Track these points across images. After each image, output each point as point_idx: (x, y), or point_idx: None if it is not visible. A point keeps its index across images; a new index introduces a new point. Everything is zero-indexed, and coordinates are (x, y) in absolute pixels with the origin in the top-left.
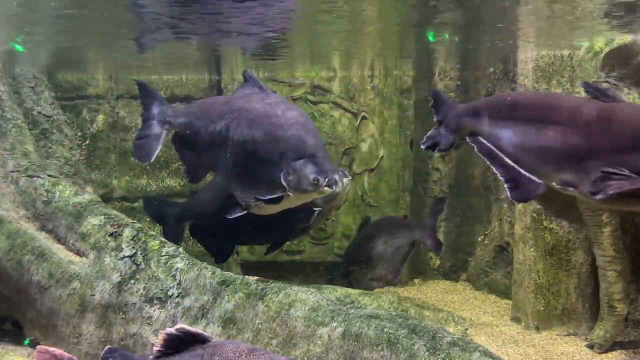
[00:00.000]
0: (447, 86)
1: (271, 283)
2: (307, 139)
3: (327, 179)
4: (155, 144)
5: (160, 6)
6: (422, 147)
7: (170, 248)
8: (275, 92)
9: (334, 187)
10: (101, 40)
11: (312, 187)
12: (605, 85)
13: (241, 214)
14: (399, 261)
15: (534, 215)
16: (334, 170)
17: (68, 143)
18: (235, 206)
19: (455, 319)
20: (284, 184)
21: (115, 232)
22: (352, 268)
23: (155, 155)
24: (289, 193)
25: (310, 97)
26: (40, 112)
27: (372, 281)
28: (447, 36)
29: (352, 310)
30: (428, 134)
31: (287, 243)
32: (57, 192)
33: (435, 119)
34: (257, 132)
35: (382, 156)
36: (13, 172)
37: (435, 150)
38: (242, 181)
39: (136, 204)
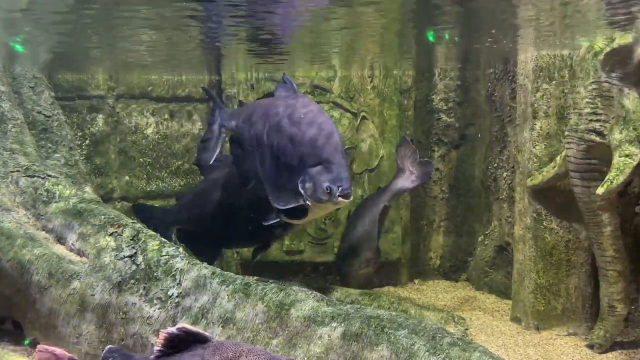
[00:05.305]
0: (447, 86)
1: (271, 283)
2: (325, 144)
3: (340, 188)
4: (213, 146)
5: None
6: None
7: (170, 248)
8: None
9: (350, 197)
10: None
11: (325, 197)
12: (605, 85)
13: (276, 220)
14: (377, 234)
15: (534, 215)
16: (350, 178)
17: (68, 143)
18: (271, 212)
19: (455, 319)
20: (302, 192)
21: (115, 232)
22: (347, 260)
23: (214, 156)
24: (308, 202)
25: (310, 97)
26: (40, 112)
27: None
28: (447, 36)
29: (352, 310)
30: None
31: (287, 243)
32: (57, 192)
33: None
34: (281, 137)
35: (382, 156)
36: (13, 172)
37: None
38: (270, 187)
39: None
